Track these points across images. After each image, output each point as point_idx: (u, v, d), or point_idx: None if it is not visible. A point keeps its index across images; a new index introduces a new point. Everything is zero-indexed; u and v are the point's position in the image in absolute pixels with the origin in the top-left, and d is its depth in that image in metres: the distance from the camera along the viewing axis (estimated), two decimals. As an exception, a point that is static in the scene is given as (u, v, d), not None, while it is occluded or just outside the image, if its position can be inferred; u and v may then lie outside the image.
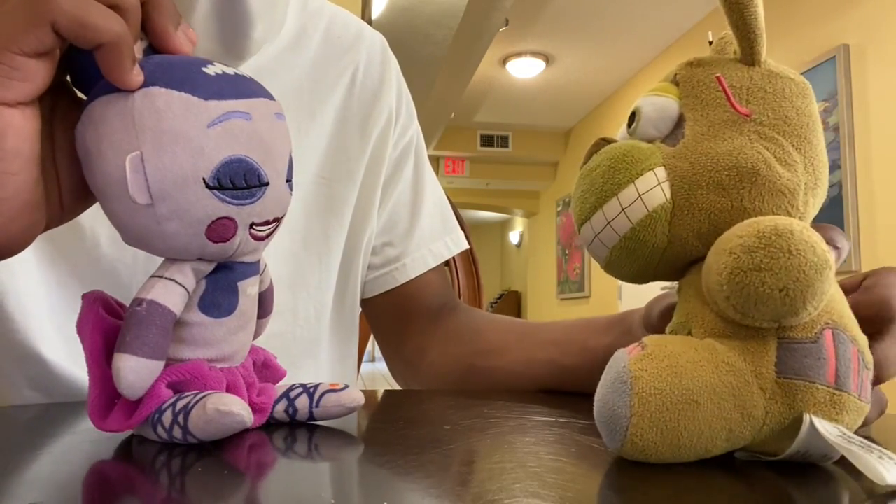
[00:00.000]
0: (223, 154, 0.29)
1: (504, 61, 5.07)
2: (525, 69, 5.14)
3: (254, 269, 0.34)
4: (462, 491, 0.25)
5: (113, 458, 0.31)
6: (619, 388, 0.27)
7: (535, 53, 4.95)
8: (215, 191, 0.29)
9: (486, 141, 6.76)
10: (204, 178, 0.29)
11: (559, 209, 6.96)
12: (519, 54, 4.96)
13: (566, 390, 0.52)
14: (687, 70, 0.33)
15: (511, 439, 0.34)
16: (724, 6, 0.31)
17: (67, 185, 0.33)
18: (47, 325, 0.51)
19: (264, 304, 0.38)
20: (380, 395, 0.52)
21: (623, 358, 0.28)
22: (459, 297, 0.97)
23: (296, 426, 0.36)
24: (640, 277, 0.34)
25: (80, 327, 0.32)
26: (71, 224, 0.40)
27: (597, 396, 0.29)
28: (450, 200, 0.93)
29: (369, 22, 2.89)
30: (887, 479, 0.23)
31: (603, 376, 0.29)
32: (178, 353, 0.33)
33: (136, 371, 0.29)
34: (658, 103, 0.33)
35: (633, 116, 0.33)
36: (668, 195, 0.31)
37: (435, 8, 3.50)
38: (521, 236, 9.38)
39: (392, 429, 0.38)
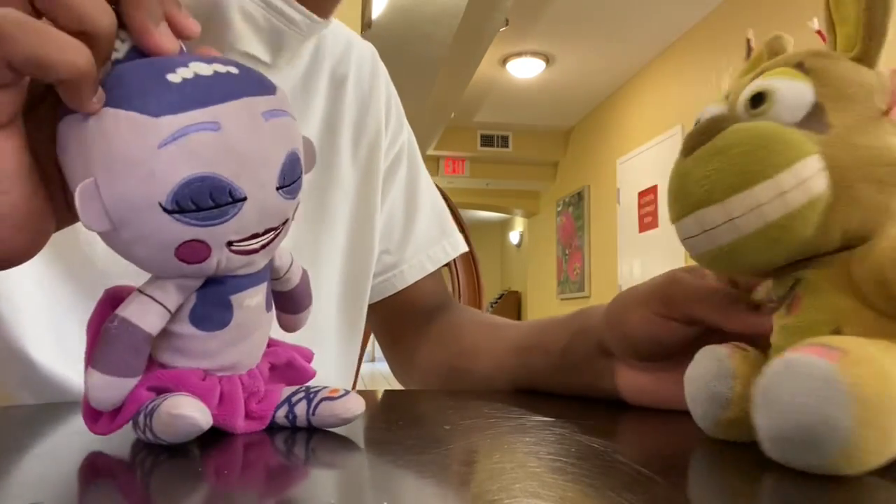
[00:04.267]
0: (180, 174, 0.27)
1: (504, 61, 5.07)
2: (525, 69, 5.14)
3: (253, 280, 0.32)
4: (462, 491, 0.25)
5: (112, 459, 0.31)
6: (835, 395, 0.24)
7: (535, 53, 4.95)
8: (175, 214, 0.27)
9: (486, 141, 6.76)
10: (160, 203, 0.27)
11: (559, 209, 6.95)
12: (519, 54, 4.96)
13: (537, 390, 0.52)
14: (818, 60, 0.31)
15: (511, 439, 0.34)
16: (871, 2, 0.29)
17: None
18: (40, 325, 0.51)
19: (299, 301, 0.37)
20: (380, 395, 0.52)
21: (823, 365, 0.25)
22: (459, 297, 0.97)
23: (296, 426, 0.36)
24: (749, 269, 0.32)
25: (88, 326, 0.32)
26: None
27: (785, 409, 0.25)
28: (449, 201, 0.93)
29: (369, 22, 2.90)
30: None
31: (784, 384, 0.26)
32: (173, 362, 0.32)
33: (100, 387, 0.29)
34: (796, 87, 0.30)
35: (760, 97, 0.31)
36: (827, 185, 0.29)
37: (435, 8, 3.50)
38: (521, 236, 9.38)
39: (392, 429, 0.38)
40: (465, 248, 0.76)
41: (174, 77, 0.28)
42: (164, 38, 0.30)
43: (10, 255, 0.31)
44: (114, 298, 0.32)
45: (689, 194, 0.30)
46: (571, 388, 0.49)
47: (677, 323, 0.40)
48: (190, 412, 0.28)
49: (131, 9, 0.29)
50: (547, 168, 7.26)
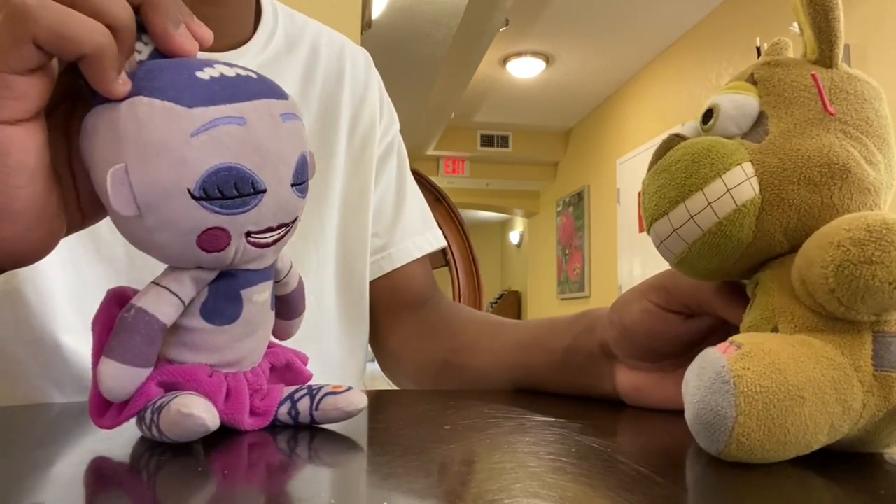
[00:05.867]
0: (209, 163, 0.28)
1: (504, 61, 5.07)
2: (525, 69, 5.13)
3: (262, 276, 0.33)
4: (462, 491, 0.25)
5: (114, 459, 0.31)
6: (722, 388, 0.27)
7: (535, 53, 4.95)
8: (202, 201, 0.28)
9: (486, 141, 6.75)
10: (189, 189, 0.28)
11: (559, 209, 6.95)
12: (519, 54, 4.95)
13: (535, 390, 0.52)
14: (766, 70, 0.33)
15: (511, 439, 0.34)
16: (809, 7, 0.31)
17: (86, 191, 0.33)
18: (68, 308, 0.52)
19: (294, 306, 0.38)
20: (379, 395, 0.52)
21: (719, 358, 0.27)
22: (459, 297, 0.97)
23: (297, 426, 0.36)
24: (714, 274, 0.34)
25: (93, 323, 0.32)
26: None
27: (691, 399, 0.28)
28: (449, 201, 0.94)
29: (369, 22, 2.90)
30: None
31: (695, 379, 0.28)
32: (180, 357, 0.33)
33: (115, 377, 0.30)
34: (738, 100, 0.33)
35: (709, 113, 0.33)
36: (757, 190, 0.31)
37: (435, 8, 3.50)
38: (521, 236, 9.38)
39: (392, 429, 0.38)
40: (444, 243, 0.79)
41: (203, 74, 0.30)
42: (184, 41, 0.31)
43: (22, 253, 0.32)
44: (119, 297, 0.32)
45: (647, 208, 0.34)
46: (572, 389, 0.49)
47: (675, 315, 0.40)
48: (200, 412, 0.29)
49: (152, 13, 0.31)
50: (547, 168, 7.26)
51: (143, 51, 0.31)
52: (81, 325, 0.52)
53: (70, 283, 0.52)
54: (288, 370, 0.38)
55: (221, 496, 0.25)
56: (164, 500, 0.25)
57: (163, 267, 0.32)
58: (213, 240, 0.30)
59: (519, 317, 8.67)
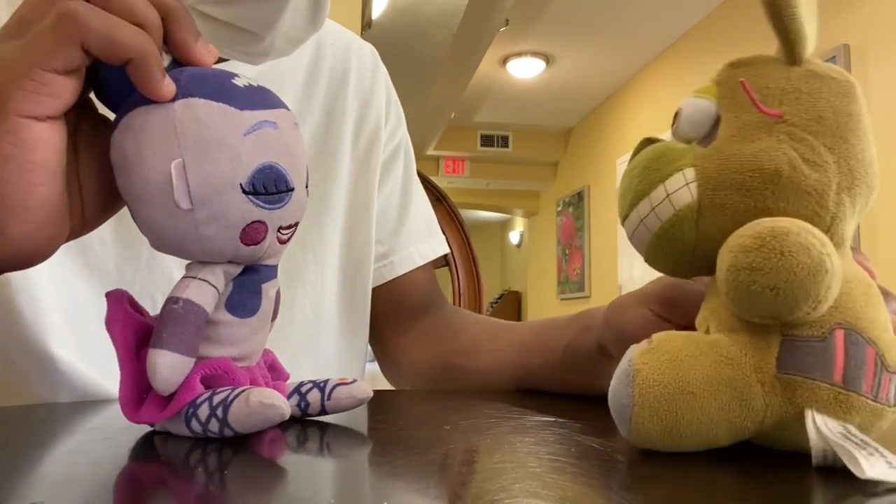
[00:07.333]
0: (257, 161, 0.31)
1: (504, 61, 5.07)
2: (525, 69, 5.13)
3: (274, 272, 0.36)
4: (462, 491, 0.25)
5: (112, 458, 0.31)
6: (625, 379, 0.29)
7: (535, 53, 4.95)
8: (250, 196, 0.31)
9: (486, 141, 6.75)
10: (241, 184, 0.31)
11: (559, 209, 6.95)
12: (519, 54, 4.95)
13: (535, 390, 0.52)
14: (728, 71, 0.33)
15: (511, 439, 0.34)
16: (766, 8, 0.31)
17: (90, 198, 0.34)
18: (59, 319, 0.52)
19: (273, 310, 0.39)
20: (380, 395, 0.52)
21: (630, 351, 0.30)
22: (459, 297, 0.98)
23: (298, 425, 0.36)
24: (677, 271, 0.35)
25: (110, 324, 0.33)
26: None
27: (609, 388, 0.31)
28: (449, 201, 0.94)
29: (369, 22, 2.90)
30: (866, 473, 0.23)
31: (616, 372, 0.31)
32: (205, 351, 0.33)
33: (171, 367, 0.31)
34: (697, 104, 0.33)
35: (675, 116, 0.34)
36: (696, 195, 0.31)
37: (435, 8, 3.50)
38: (521, 236, 9.38)
39: (392, 429, 0.38)
40: (447, 250, 0.78)
41: (238, 81, 0.32)
42: (203, 52, 0.33)
43: (27, 253, 0.32)
44: (128, 298, 0.33)
45: (619, 208, 0.35)
46: (571, 387, 0.49)
47: (672, 326, 0.40)
48: (279, 403, 0.31)
49: (174, 26, 0.32)
50: (547, 168, 7.26)
51: (164, 59, 0.33)
52: (72, 336, 0.52)
53: (60, 295, 0.52)
54: (272, 369, 0.39)
55: (221, 495, 0.25)
56: (164, 498, 0.25)
57: (152, 281, 0.33)
58: (254, 233, 0.32)
59: (519, 317, 8.67)
